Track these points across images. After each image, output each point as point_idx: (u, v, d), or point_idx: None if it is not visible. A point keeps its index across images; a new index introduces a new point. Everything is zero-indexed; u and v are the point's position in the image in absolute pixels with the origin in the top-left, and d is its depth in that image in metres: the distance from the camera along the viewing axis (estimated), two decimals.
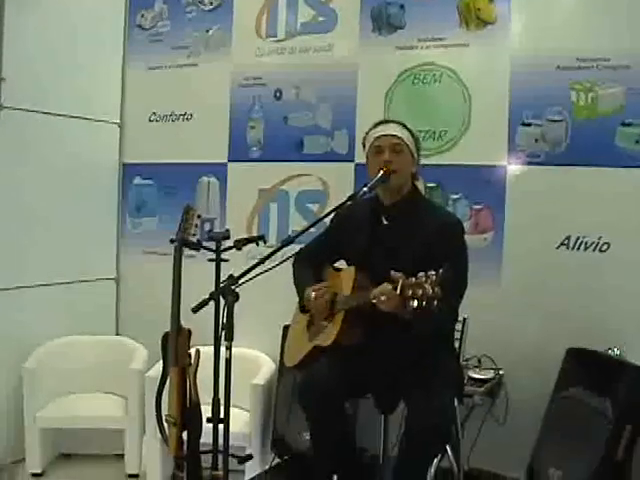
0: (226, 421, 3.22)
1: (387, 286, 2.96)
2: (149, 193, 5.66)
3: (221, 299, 3.04)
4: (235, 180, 5.31)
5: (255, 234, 4.26)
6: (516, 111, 4.39)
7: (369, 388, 3.52)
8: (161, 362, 3.77)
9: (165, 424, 3.69)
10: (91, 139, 5.47)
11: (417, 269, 2.86)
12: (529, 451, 3.96)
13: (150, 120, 5.62)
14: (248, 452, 4.08)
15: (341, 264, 3.68)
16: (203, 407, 3.52)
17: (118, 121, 5.68)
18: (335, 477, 3.57)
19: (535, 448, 3.95)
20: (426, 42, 4.65)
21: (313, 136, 5.03)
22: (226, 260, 3.53)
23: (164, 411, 3.70)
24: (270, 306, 4.75)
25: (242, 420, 4.65)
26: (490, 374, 4.19)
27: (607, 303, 4.19)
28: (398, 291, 2.89)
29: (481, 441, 4.29)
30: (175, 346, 3.59)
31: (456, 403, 3.50)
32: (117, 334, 5.66)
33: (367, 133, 3.52)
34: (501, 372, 4.27)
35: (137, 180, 5.69)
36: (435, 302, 2.81)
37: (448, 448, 3.67)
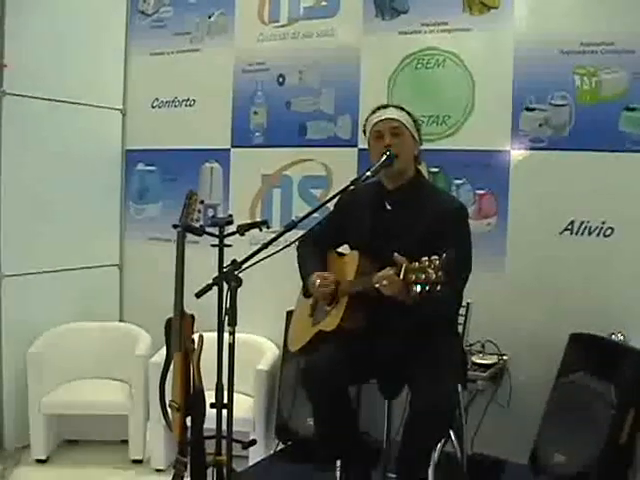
0: (230, 406, 3.23)
1: (389, 271, 2.96)
2: (152, 179, 5.66)
3: (224, 284, 3.04)
4: (238, 166, 5.31)
5: (258, 219, 4.24)
6: (520, 96, 4.38)
7: (373, 373, 3.52)
8: (165, 348, 3.77)
9: (169, 410, 3.69)
10: (94, 125, 5.48)
11: (420, 254, 2.85)
12: (533, 436, 3.96)
13: (153, 106, 5.62)
14: (252, 437, 4.08)
15: (345, 249, 3.68)
16: (207, 393, 3.52)
17: (121, 107, 5.68)
18: (339, 462, 3.59)
19: (539, 433, 3.95)
20: (429, 26, 4.63)
21: (316, 121, 5.02)
22: (229, 245, 3.52)
23: (168, 397, 3.71)
24: (274, 292, 4.76)
25: (246, 406, 4.66)
26: (494, 359, 4.20)
27: (611, 288, 4.18)
28: (401, 276, 2.88)
29: (485, 426, 4.30)
30: (179, 332, 3.59)
31: (460, 388, 3.51)
32: (121, 320, 5.68)
33: (367, 119, 3.51)
34: (505, 357, 4.27)
35: (140, 166, 5.70)
36: (438, 287, 2.80)
37: (452, 433, 3.67)
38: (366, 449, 3.58)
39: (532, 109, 4.35)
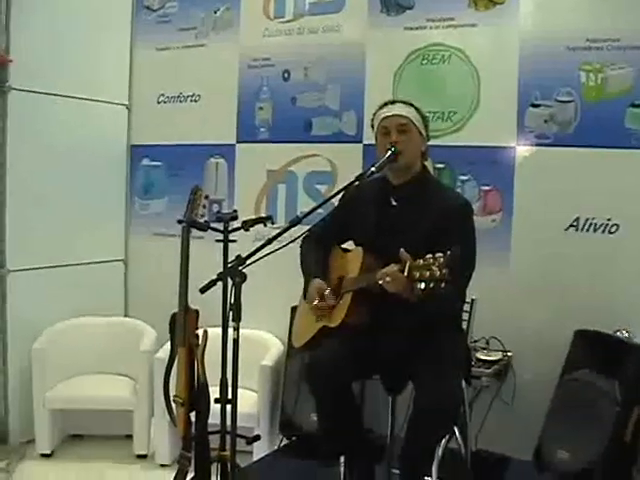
0: (234, 402, 3.23)
1: (393, 267, 2.95)
2: (157, 175, 5.66)
3: (229, 280, 3.04)
4: (243, 161, 5.31)
5: (263, 215, 4.24)
6: (525, 92, 4.37)
7: (376, 369, 3.51)
8: (169, 343, 3.77)
9: (173, 405, 3.70)
10: (99, 121, 5.49)
11: (425, 250, 2.85)
12: (537, 433, 3.95)
13: (158, 101, 5.62)
14: (256, 433, 4.07)
15: (349, 245, 3.67)
16: (211, 388, 3.52)
17: (126, 103, 5.68)
18: (342, 458, 3.59)
19: (543, 430, 3.94)
20: (435, 22, 4.63)
21: (321, 117, 5.02)
22: (234, 241, 3.51)
23: (172, 392, 3.71)
24: (279, 287, 4.76)
25: (250, 401, 4.67)
26: (498, 356, 4.20)
27: (616, 285, 4.18)
28: (405, 273, 2.87)
29: (489, 423, 4.30)
30: (183, 327, 3.59)
31: (464, 384, 3.50)
32: (126, 315, 5.69)
33: (374, 114, 3.50)
34: (509, 354, 4.27)
35: (145, 162, 5.71)
36: (442, 284, 2.80)
37: (456, 429, 3.67)
38: (370, 445, 3.58)
39: (538, 105, 4.34)
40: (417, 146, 3.39)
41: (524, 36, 4.36)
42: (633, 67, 4.12)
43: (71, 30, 5.13)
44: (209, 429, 3.56)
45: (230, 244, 3.50)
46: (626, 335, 3.98)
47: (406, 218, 3.34)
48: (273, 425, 4.75)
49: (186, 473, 3.62)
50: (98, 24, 5.34)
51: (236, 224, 3.52)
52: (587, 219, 4.24)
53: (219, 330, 3.34)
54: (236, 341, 3.05)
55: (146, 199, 5.72)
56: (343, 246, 3.72)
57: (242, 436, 3.41)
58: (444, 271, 2.76)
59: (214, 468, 3.49)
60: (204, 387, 3.53)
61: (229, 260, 3.18)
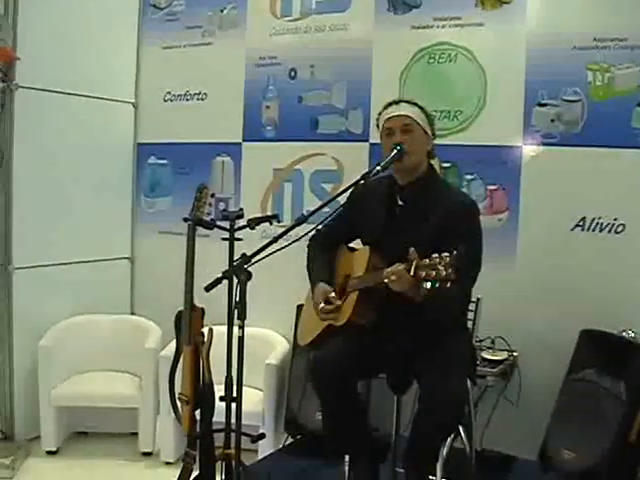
0: (239, 400, 3.23)
1: (399, 266, 2.95)
2: (163, 173, 5.67)
3: (234, 278, 3.04)
4: (250, 160, 5.31)
5: (269, 213, 4.25)
6: (532, 91, 4.36)
7: (382, 368, 3.51)
8: (175, 341, 3.78)
9: (178, 403, 3.70)
10: (106, 119, 5.49)
11: (431, 250, 2.84)
12: (542, 433, 3.95)
13: (165, 100, 5.63)
14: (261, 431, 4.08)
15: (356, 243, 3.67)
16: (216, 386, 3.53)
17: (133, 101, 5.69)
18: (347, 457, 3.59)
19: (548, 430, 3.94)
20: (442, 21, 4.62)
21: (328, 115, 5.02)
22: (240, 239, 3.52)
23: (177, 390, 3.72)
24: (284, 286, 4.76)
25: (255, 399, 4.67)
26: (504, 355, 4.19)
27: (622, 285, 4.17)
28: (412, 272, 2.87)
29: (494, 422, 4.30)
30: (188, 325, 3.60)
31: (469, 384, 3.50)
32: (132, 313, 5.69)
33: (379, 114, 3.50)
34: (515, 353, 4.27)
35: (152, 160, 5.71)
36: (448, 284, 2.79)
37: (461, 429, 3.66)
38: (375, 444, 3.58)
39: (544, 105, 4.34)
40: (422, 146, 3.38)
41: (531, 35, 4.36)
42: None
43: (78, 28, 5.14)
44: (214, 427, 3.57)
45: (236, 242, 3.50)
46: (632, 335, 3.96)
47: (412, 217, 3.34)
48: (278, 423, 4.75)
49: (191, 471, 3.63)
50: (105, 22, 5.34)
51: (242, 222, 3.53)
52: (593, 219, 4.24)
53: (224, 328, 3.35)
54: (241, 339, 3.05)
55: (152, 197, 5.72)
56: (350, 245, 3.72)
57: (247, 434, 3.42)
58: (450, 271, 2.76)
59: (219, 466, 3.50)
60: (209, 385, 3.54)
61: (235, 258, 3.18)
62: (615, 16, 4.16)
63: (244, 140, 5.32)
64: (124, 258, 5.73)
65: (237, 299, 2.99)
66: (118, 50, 5.56)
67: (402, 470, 3.38)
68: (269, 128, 5.23)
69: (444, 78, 4.62)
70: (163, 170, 5.67)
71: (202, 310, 3.62)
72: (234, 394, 3.31)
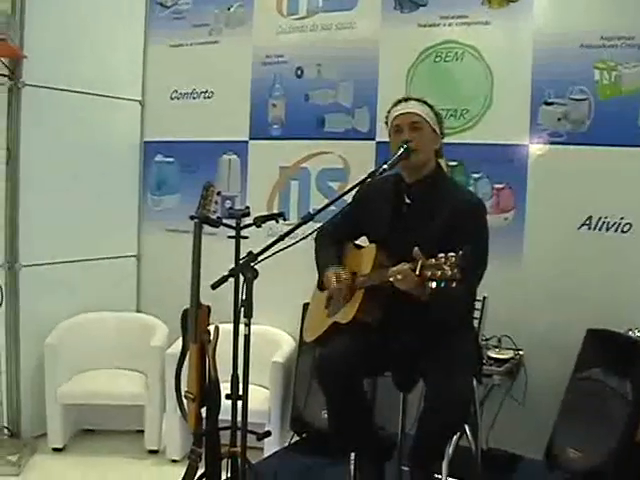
0: (245, 398, 3.23)
1: (404, 266, 2.95)
2: (170, 171, 5.68)
3: (240, 276, 3.04)
4: (256, 158, 5.32)
5: (276, 212, 4.24)
6: (539, 90, 4.36)
7: (388, 366, 3.51)
8: (181, 339, 3.79)
9: (184, 400, 3.71)
10: (113, 117, 5.51)
11: (438, 249, 2.84)
12: (548, 432, 3.95)
13: (171, 98, 5.64)
14: (267, 429, 4.08)
15: (363, 241, 3.67)
16: (222, 384, 3.53)
17: (140, 99, 5.70)
18: (352, 455, 3.59)
19: (554, 429, 3.94)
20: (448, 20, 4.62)
21: (334, 114, 5.02)
22: (246, 237, 3.52)
23: (183, 387, 3.72)
24: (290, 284, 4.76)
25: (261, 397, 4.67)
26: (510, 354, 4.19)
27: (628, 284, 4.16)
28: (417, 272, 2.86)
29: (500, 421, 4.30)
30: (195, 323, 3.60)
31: (475, 383, 3.50)
32: (138, 311, 5.71)
33: (389, 111, 3.49)
34: (521, 352, 4.26)
35: (158, 158, 5.72)
36: (453, 283, 2.79)
37: (467, 428, 3.66)
38: (380, 442, 3.58)
39: (551, 103, 4.33)
40: (430, 144, 3.37)
41: (538, 34, 4.35)
42: None
43: (85, 26, 5.16)
44: (220, 425, 3.57)
45: (242, 240, 3.51)
46: (638, 335, 3.95)
47: (419, 216, 3.33)
48: (284, 421, 4.76)
49: (197, 469, 3.63)
50: (112, 20, 5.36)
51: (248, 220, 3.54)
52: (600, 218, 4.23)
53: (230, 326, 3.35)
54: (247, 337, 3.06)
55: (159, 195, 5.73)
56: (356, 242, 3.72)
57: (253, 432, 3.41)
58: (455, 271, 2.75)
59: (224, 464, 3.51)
60: (215, 383, 3.54)
61: (241, 256, 3.18)
62: (622, 15, 4.15)
63: (251, 138, 5.32)
64: (131, 256, 5.75)
65: (243, 297, 3.00)
66: (125, 48, 5.57)
67: (407, 469, 3.37)
68: (276, 126, 5.24)
69: (450, 77, 4.62)
70: (170, 168, 5.67)
71: (208, 308, 3.63)
72: (240, 392, 3.31)
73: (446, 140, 3.59)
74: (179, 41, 5.58)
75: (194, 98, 5.54)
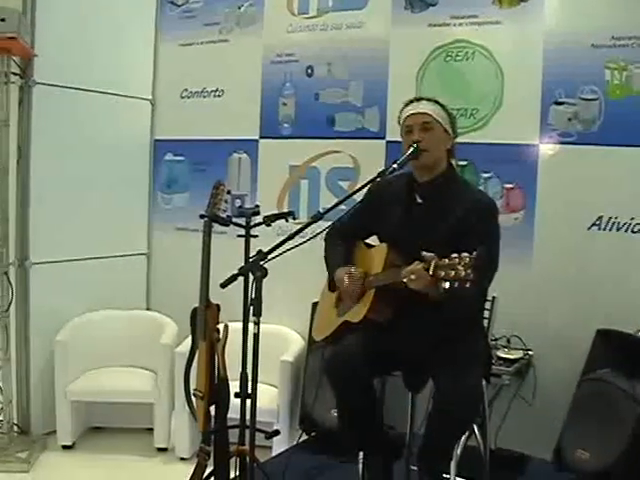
0: (254, 396, 3.24)
1: (418, 265, 2.93)
2: (180, 169, 5.69)
3: (250, 275, 3.05)
4: (266, 156, 5.32)
5: (285, 210, 4.24)
6: (549, 89, 4.35)
7: (397, 365, 3.51)
8: (190, 337, 3.79)
9: (193, 398, 3.72)
10: (123, 115, 5.51)
11: (449, 249, 2.83)
12: (557, 432, 3.94)
13: (182, 96, 5.64)
14: (275, 428, 4.09)
15: (373, 240, 3.66)
16: (231, 382, 3.53)
17: (150, 97, 5.70)
18: (361, 454, 3.59)
19: (563, 429, 3.93)
20: (459, 19, 4.61)
21: (344, 113, 5.02)
22: (255, 236, 3.53)
23: (192, 385, 3.73)
24: (300, 283, 4.77)
25: (270, 396, 4.68)
26: (519, 354, 4.19)
27: (638, 284, 4.14)
28: (430, 271, 2.85)
29: (509, 421, 4.30)
30: (204, 321, 3.61)
31: (484, 383, 3.49)
32: (147, 309, 5.72)
33: (401, 111, 3.48)
34: (530, 352, 4.26)
35: (168, 156, 5.73)
36: (467, 284, 2.78)
37: (475, 428, 3.66)
38: (389, 442, 3.58)
39: (561, 103, 4.33)
40: (441, 144, 3.36)
41: (548, 33, 4.34)
42: None
43: (96, 25, 5.17)
44: (229, 423, 3.58)
45: (252, 239, 3.51)
46: None
47: (431, 216, 3.32)
48: (292, 420, 4.76)
49: (205, 467, 3.64)
50: (123, 19, 5.37)
51: (258, 219, 3.54)
52: (610, 218, 4.22)
53: (240, 325, 3.35)
54: (256, 336, 3.05)
55: (169, 193, 5.74)
56: (367, 241, 3.71)
57: (261, 430, 3.41)
58: (469, 271, 2.74)
59: (233, 462, 3.51)
60: (224, 381, 3.55)
61: (250, 255, 3.19)
62: (633, 14, 4.14)
63: (261, 137, 5.33)
64: (140, 254, 5.76)
65: (253, 296, 3.00)
66: (135, 47, 5.58)
67: (416, 468, 3.37)
68: (286, 125, 5.24)
69: (461, 76, 4.62)
70: (180, 167, 5.68)
71: (218, 306, 3.64)
72: (249, 390, 3.32)
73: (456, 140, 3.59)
74: (190, 40, 5.59)
75: (204, 97, 5.55)
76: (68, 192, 5.08)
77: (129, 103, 5.53)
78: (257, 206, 3.68)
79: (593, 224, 4.26)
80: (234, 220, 3.63)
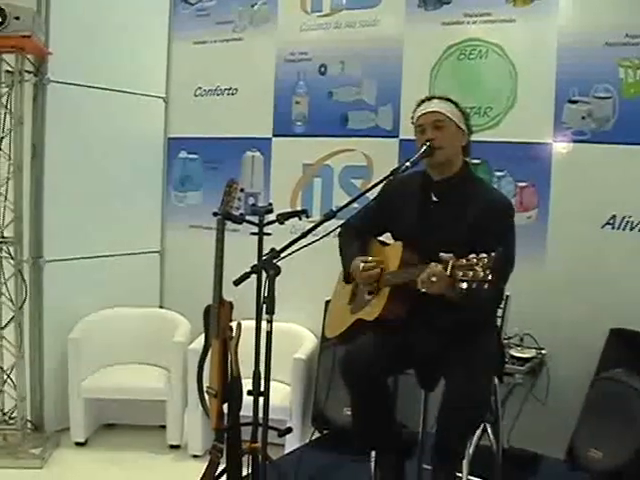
0: (266, 394, 3.24)
1: (437, 267, 2.89)
2: (194, 167, 5.70)
3: (263, 272, 3.05)
4: (279, 155, 5.33)
5: (298, 209, 4.24)
6: (563, 88, 4.34)
7: (411, 364, 3.51)
8: (203, 334, 3.80)
9: (206, 396, 3.72)
10: (137, 113, 5.53)
11: (465, 248, 2.82)
12: (570, 431, 3.94)
13: (195, 95, 5.65)
14: (288, 425, 4.09)
15: (387, 237, 3.66)
16: (244, 380, 3.54)
17: (164, 95, 5.72)
18: (373, 453, 3.59)
19: (576, 428, 3.92)
20: (472, 17, 4.61)
21: (358, 111, 5.02)
22: (269, 234, 3.53)
23: (205, 383, 3.74)
24: (313, 281, 4.77)
25: (283, 394, 4.69)
26: (532, 353, 4.17)
27: None
28: (448, 272, 2.83)
29: (521, 420, 4.29)
30: (217, 319, 3.62)
31: (496, 381, 3.49)
32: (161, 306, 5.73)
33: (414, 111, 3.48)
34: (543, 351, 4.25)
35: (182, 154, 5.74)
36: (485, 285, 2.76)
37: (488, 427, 3.66)
38: (402, 440, 3.58)
39: (575, 101, 4.31)
40: (454, 142, 3.35)
41: (562, 32, 4.33)
42: None
43: (109, 23, 5.18)
44: (241, 421, 3.59)
45: (265, 237, 3.51)
46: None
47: (447, 214, 3.31)
48: (305, 418, 4.77)
49: (218, 464, 3.65)
50: (136, 17, 5.39)
51: (271, 217, 3.54)
52: (624, 217, 4.20)
53: (253, 323, 3.35)
54: (269, 334, 3.05)
55: (182, 191, 5.75)
56: (381, 239, 3.70)
57: (274, 428, 3.42)
58: (488, 272, 2.72)
59: (245, 460, 3.51)
60: (237, 379, 3.55)
61: (264, 253, 3.19)
62: None
63: (274, 135, 5.33)
64: (154, 252, 5.77)
65: (266, 294, 3.00)
66: (149, 45, 5.59)
67: (429, 467, 3.38)
68: (299, 123, 5.24)
69: (474, 74, 4.61)
70: (193, 165, 5.69)
71: (231, 304, 3.64)
72: (262, 388, 3.31)
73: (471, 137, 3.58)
74: (203, 38, 5.60)
75: (218, 95, 5.55)
76: (82, 190, 5.10)
77: (143, 101, 5.55)
78: (270, 204, 3.68)
79: (607, 223, 4.25)
80: (247, 218, 3.63)
